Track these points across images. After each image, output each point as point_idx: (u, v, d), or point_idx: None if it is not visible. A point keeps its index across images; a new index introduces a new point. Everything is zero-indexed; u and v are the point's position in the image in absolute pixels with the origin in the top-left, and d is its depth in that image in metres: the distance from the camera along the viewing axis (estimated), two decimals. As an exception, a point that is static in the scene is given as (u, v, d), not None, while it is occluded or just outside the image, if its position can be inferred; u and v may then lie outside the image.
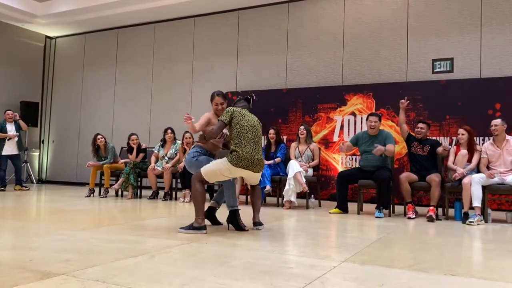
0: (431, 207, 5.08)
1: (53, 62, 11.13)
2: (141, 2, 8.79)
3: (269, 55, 8.47)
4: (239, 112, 3.82)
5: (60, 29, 10.54)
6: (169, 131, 7.25)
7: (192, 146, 4.39)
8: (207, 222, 3.98)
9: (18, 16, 9.63)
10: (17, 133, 8.29)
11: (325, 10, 8.04)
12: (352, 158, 7.31)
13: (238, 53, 8.80)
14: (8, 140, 8.17)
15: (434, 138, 6.32)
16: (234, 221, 3.89)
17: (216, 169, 3.70)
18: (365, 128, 7.16)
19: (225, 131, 3.97)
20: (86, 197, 7.32)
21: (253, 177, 3.90)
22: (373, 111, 7.09)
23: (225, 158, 3.70)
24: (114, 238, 3.40)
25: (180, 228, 3.76)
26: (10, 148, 8.21)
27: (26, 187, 8.36)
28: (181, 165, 6.80)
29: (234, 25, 8.88)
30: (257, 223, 3.98)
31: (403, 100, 5.69)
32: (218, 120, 3.85)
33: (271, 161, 6.41)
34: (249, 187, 4.15)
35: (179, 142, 7.21)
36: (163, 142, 7.31)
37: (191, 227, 3.69)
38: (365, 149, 5.67)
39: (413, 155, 5.57)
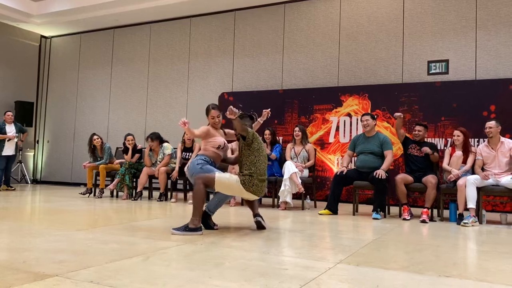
0: (425, 209, 5.09)
1: (48, 62, 11.08)
2: (136, 2, 8.77)
3: (265, 55, 8.47)
4: (258, 139, 3.98)
5: (55, 28, 10.50)
6: (149, 139, 7.04)
7: (196, 155, 4.56)
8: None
9: (13, 15, 9.59)
10: (17, 134, 8.38)
11: (321, 11, 8.05)
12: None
13: (234, 54, 8.79)
14: (7, 141, 8.23)
15: (429, 140, 6.34)
16: (205, 222, 4.00)
17: (229, 183, 3.84)
18: (360, 130, 7.22)
19: (230, 145, 4.12)
20: (81, 194, 7.32)
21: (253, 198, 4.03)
22: (369, 112, 7.10)
23: (238, 178, 3.85)
24: (108, 239, 3.39)
25: (173, 228, 3.72)
26: (9, 149, 8.29)
27: (12, 187, 8.38)
28: (175, 174, 6.71)
29: (230, 26, 8.88)
30: (257, 215, 4.08)
31: (397, 114, 5.59)
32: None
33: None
34: None
35: (165, 145, 7.08)
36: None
37: (186, 228, 3.67)
38: (362, 150, 5.68)
39: (409, 156, 5.58)
